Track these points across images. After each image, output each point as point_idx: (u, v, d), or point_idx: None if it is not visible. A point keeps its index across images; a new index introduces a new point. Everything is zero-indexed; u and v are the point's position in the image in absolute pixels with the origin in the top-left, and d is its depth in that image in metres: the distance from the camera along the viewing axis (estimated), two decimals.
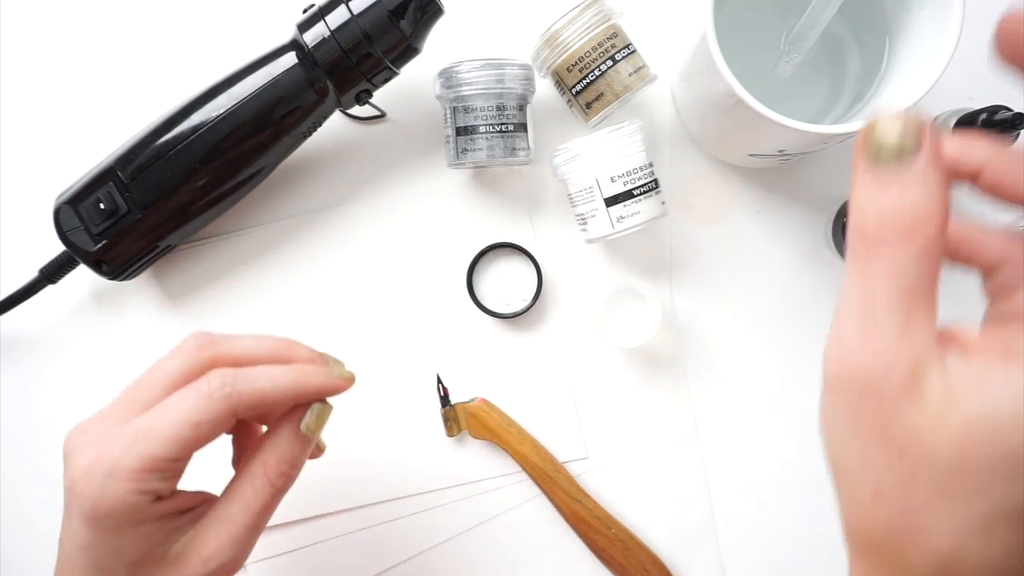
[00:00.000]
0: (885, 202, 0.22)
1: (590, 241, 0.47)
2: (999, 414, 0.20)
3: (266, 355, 0.36)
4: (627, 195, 0.45)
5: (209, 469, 0.38)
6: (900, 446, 0.22)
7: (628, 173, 0.45)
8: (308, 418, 0.36)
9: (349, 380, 0.37)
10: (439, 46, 0.47)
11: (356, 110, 0.50)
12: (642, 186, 0.45)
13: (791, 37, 0.44)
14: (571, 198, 0.47)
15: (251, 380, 0.34)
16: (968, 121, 0.43)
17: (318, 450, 0.41)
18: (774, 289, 0.51)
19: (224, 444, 0.39)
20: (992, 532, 0.21)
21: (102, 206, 0.44)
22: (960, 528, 0.21)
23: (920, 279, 0.22)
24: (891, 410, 0.22)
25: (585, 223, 0.46)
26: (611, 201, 0.45)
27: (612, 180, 0.45)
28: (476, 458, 0.50)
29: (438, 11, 0.44)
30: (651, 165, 0.46)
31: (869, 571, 0.25)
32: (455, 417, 0.50)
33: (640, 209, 0.45)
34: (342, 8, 0.43)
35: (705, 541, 0.50)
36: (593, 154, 0.45)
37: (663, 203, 0.46)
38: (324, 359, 0.37)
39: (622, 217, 0.45)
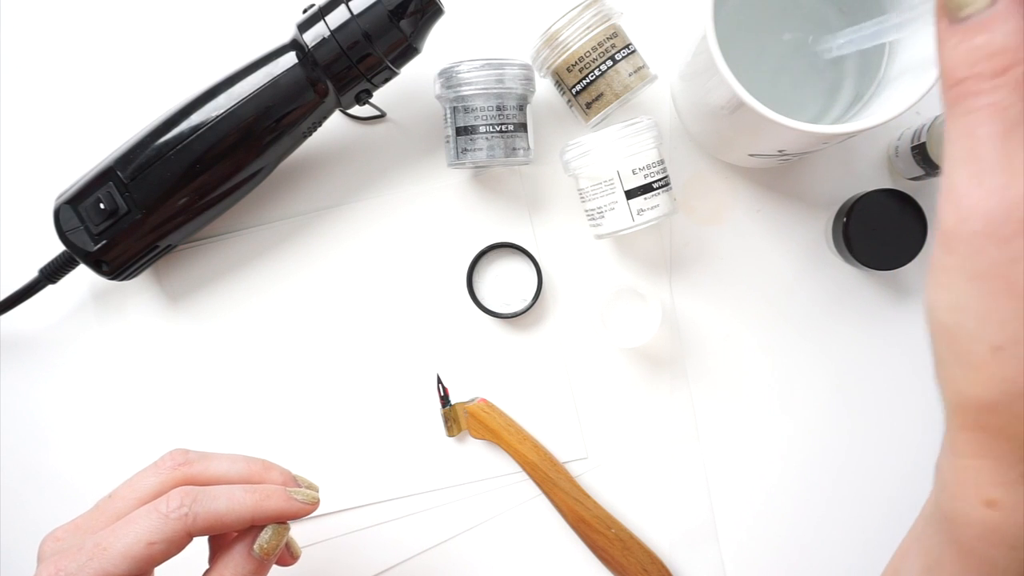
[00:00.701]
0: (975, 43, 0.21)
1: (602, 236, 0.47)
2: None
3: (237, 477, 0.37)
4: (647, 188, 0.45)
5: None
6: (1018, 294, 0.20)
7: (647, 167, 0.45)
8: (261, 539, 0.37)
9: (312, 505, 0.38)
10: (439, 46, 0.47)
11: (356, 110, 0.50)
12: (659, 180, 0.45)
13: (838, 43, 0.42)
14: (583, 193, 0.47)
15: (209, 501, 0.35)
16: None
17: (291, 557, 0.40)
18: (774, 289, 0.51)
19: None
20: None
21: (102, 206, 0.44)
22: None
23: (1002, 118, 0.21)
24: (1013, 252, 0.20)
25: (601, 216, 0.46)
26: (632, 193, 0.45)
27: (633, 172, 0.45)
28: (476, 458, 0.50)
29: (438, 11, 0.44)
30: (663, 161, 0.46)
31: (978, 442, 0.23)
32: (455, 417, 0.50)
33: (659, 203, 0.45)
34: (342, 8, 0.43)
35: (705, 541, 0.50)
36: (612, 147, 0.45)
37: (674, 200, 0.47)
38: (296, 481, 0.39)
39: (642, 210, 0.45)
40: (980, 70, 0.21)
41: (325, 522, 0.50)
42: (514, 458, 0.49)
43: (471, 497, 0.50)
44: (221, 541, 0.40)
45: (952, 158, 0.22)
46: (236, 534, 0.37)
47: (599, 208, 0.46)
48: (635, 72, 0.46)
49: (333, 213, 0.51)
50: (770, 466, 0.51)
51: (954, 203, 0.21)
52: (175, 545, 0.34)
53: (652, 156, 0.45)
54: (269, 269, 0.51)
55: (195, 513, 0.34)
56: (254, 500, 0.36)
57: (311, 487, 0.39)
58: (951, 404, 0.24)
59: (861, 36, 0.41)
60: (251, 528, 0.37)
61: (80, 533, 0.35)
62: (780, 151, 0.44)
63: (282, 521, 0.37)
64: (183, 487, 0.35)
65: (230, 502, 0.35)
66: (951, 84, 0.22)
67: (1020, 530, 0.23)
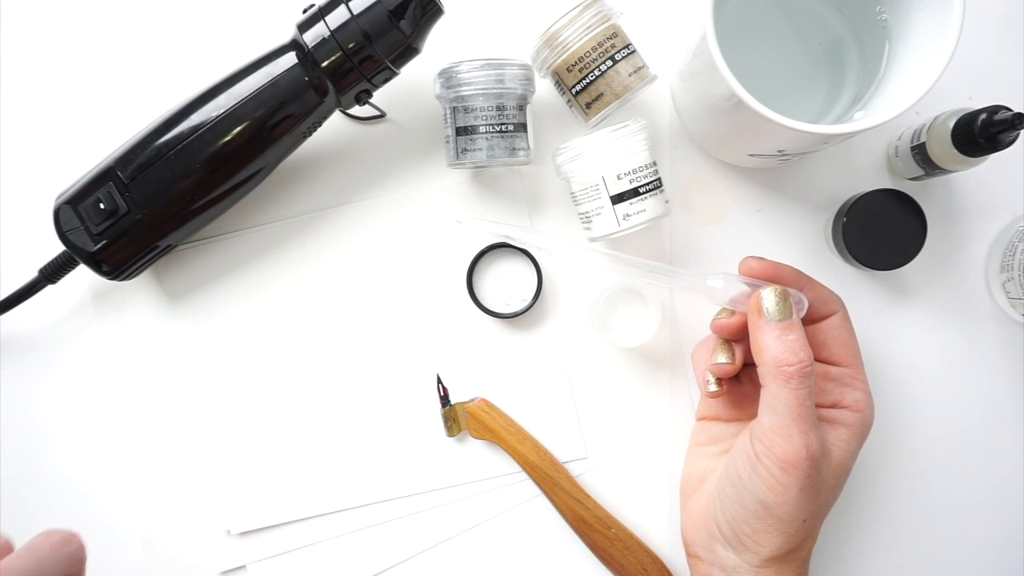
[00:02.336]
0: (788, 340, 0.38)
1: (594, 239, 0.47)
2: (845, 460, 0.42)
3: None
4: (633, 193, 0.45)
5: None
6: (819, 491, 0.39)
7: (634, 171, 0.45)
8: None
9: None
10: (439, 46, 0.47)
11: (356, 110, 0.50)
12: (647, 184, 0.45)
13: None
14: (574, 196, 0.47)
15: None
16: (968, 121, 0.43)
17: None
18: None
19: None
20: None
21: (102, 206, 0.44)
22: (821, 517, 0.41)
23: (811, 391, 0.38)
24: (820, 473, 0.39)
25: (589, 221, 0.46)
26: (617, 199, 0.45)
27: (618, 178, 0.45)
28: (476, 458, 0.50)
29: (438, 11, 0.44)
30: (654, 164, 0.46)
31: (783, 570, 0.41)
32: (455, 417, 0.50)
33: (646, 207, 0.45)
34: (342, 8, 0.43)
35: None
36: (598, 152, 0.45)
37: (667, 202, 0.46)
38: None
39: (628, 215, 0.45)
40: (795, 361, 0.38)
41: (325, 522, 0.50)
42: (514, 458, 0.49)
43: (471, 497, 0.50)
44: None
45: (795, 414, 0.38)
46: None
47: (587, 213, 0.46)
48: (635, 72, 0.46)
49: (333, 213, 0.51)
50: None
51: (805, 446, 0.38)
52: None
53: (641, 159, 0.45)
54: (269, 269, 0.51)
55: None
56: None
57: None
58: (770, 553, 0.40)
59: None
60: None
61: None
62: (780, 151, 0.44)
63: None
64: None
65: None
66: (777, 366, 0.38)
67: None
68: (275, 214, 0.51)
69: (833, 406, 0.43)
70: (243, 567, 0.50)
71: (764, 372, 0.39)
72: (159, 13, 0.52)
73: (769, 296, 0.39)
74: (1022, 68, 0.51)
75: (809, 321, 0.43)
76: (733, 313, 0.42)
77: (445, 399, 0.50)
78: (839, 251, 0.49)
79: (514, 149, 0.46)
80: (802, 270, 0.43)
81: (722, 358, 0.42)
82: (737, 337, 0.42)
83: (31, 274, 0.48)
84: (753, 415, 0.40)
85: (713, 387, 0.43)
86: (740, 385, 0.45)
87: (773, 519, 0.39)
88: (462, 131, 0.46)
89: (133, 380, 0.51)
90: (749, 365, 0.44)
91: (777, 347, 0.38)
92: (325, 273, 0.51)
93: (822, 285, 0.43)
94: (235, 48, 0.47)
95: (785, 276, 0.42)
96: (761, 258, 0.43)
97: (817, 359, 0.43)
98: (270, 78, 0.44)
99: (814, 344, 0.42)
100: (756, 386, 0.41)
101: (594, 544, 0.49)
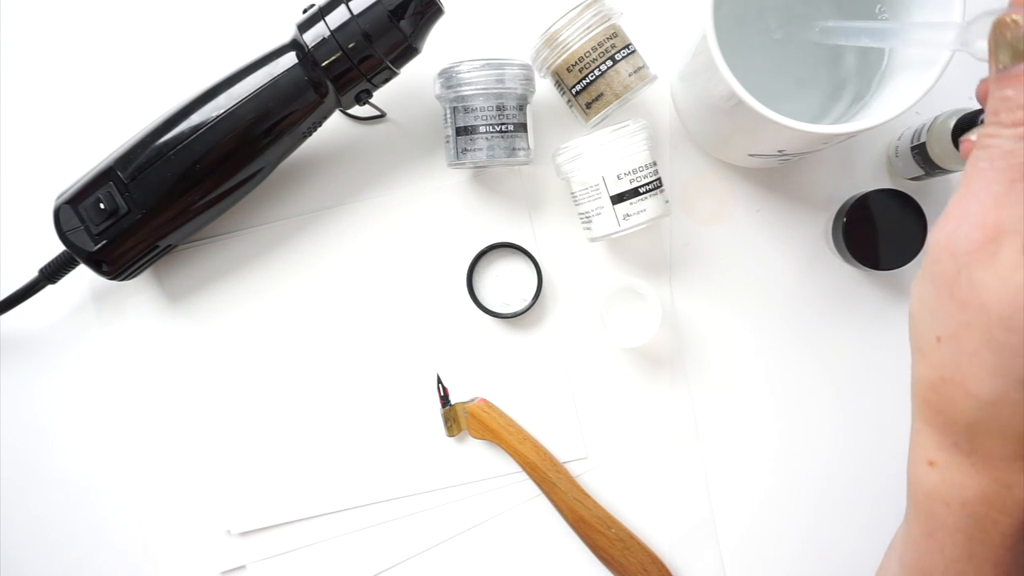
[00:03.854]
0: (1003, 94, 0.26)
1: (594, 239, 0.47)
2: None
3: None
4: (633, 192, 0.45)
5: None
6: (963, 298, 0.25)
7: (634, 171, 0.45)
8: None
9: None
10: (439, 46, 0.47)
11: (356, 110, 0.50)
12: (647, 184, 0.45)
13: (824, 29, 0.42)
14: (575, 196, 0.47)
15: None
16: (968, 121, 0.43)
17: None
18: (774, 289, 0.51)
19: None
20: None
21: (102, 206, 0.44)
22: (999, 375, 0.25)
23: (1021, 162, 0.25)
24: (964, 267, 0.25)
25: (590, 221, 0.46)
26: (617, 199, 0.45)
27: (619, 178, 0.45)
28: (476, 458, 0.50)
29: (438, 11, 0.44)
30: (654, 164, 0.46)
31: (924, 413, 0.28)
32: (455, 417, 0.50)
33: (646, 207, 0.45)
34: (342, 8, 0.43)
35: (705, 541, 0.50)
36: (598, 152, 0.45)
37: (667, 202, 0.47)
38: None
39: (628, 215, 0.45)
40: (1001, 119, 0.25)
41: (325, 522, 0.50)
42: (514, 458, 0.49)
43: (471, 497, 0.50)
44: None
45: (961, 182, 0.27)
46: None
47: (587, 213, 0.46)
48: (635, 72, 0.46)
49: (333, 213, 0.51)
50: (769, 466, 0.51)
51: (940, 222, 0.26)
52: None
53: (642, 159, 0.45)
54: (269, 269, 0.51)
55: None
56: None
57: None
58: (912, 384, 0.29)
59: (855, 28, 0.41)
60: None
61: None
62: (780, 151, 0.44)
63: None
64: None
65: None
66: (988, 122, 0.26)
67: (951, 488, 0.28)
68: (275, 214, 0.51)
69: None
70: (243, 567, 0.50)
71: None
72: (159, 13, 0.52)
73: (999, 26, 0.26)
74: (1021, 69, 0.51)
75: None
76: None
77: (445, 399, 0.50)
78: (839, 251, 0.49)
79: (514, 149, 0.46)
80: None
81: None
82: None
83: (31, 274, 0.48)
84: None
85: None
86: None
87: (911, 333, 0.28)
88: (462, 131, 0.46)
89: (133, 380, 0.51)
90: None
91: (992, 101, 0.26)
92: (325, 273, 0.51)
93: None
94: (235, 48, 0.47)
95: None
96: None
97: None
98: (270, 78, 0.44)
99: None
100: None
101: (594, 544, 0.49)
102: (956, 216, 0.26)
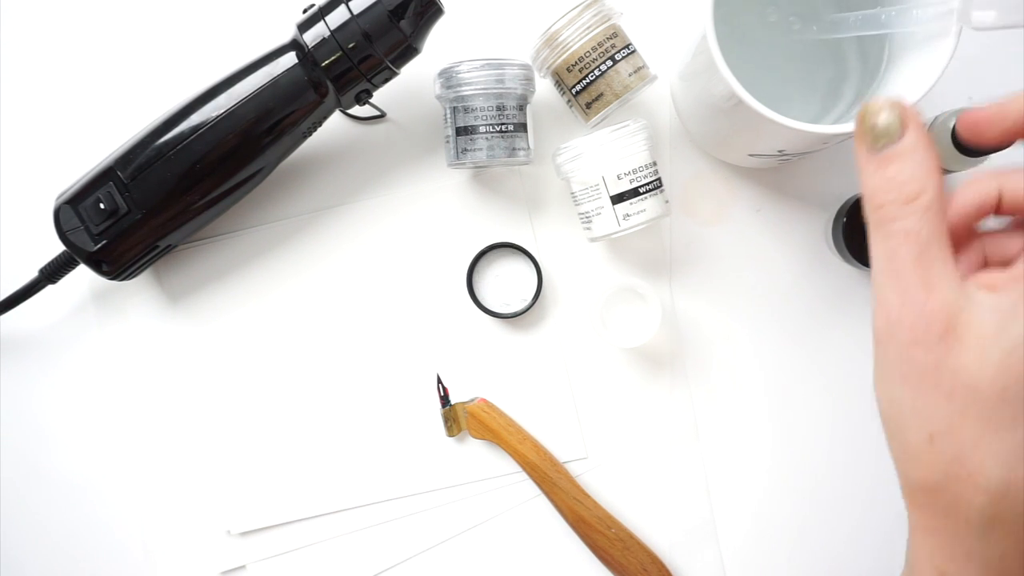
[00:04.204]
0: (887, 175, 0.25)
1: (594, 239, 0.47)
2: None
3: None
4: (633, 193, 0.45)
5: None
6: (948, 388, 0.24)
7: (634, 171, 0.45)
8: None
9: None
10: (439, 46, 0.47)
11: (356, 110, 0.50)
12: (647, 184, 0.45)
13: (827, 22, 0.42)
14: (575, 196, 0.47)
15: None
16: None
17: None
18: (774, 289, 0.51)
19: None
20: None
21: (102, 206, 0.44)
22: (1010, 456, 0.23)
23: (932, 235, 0.25)
24: (936, 357, 0.24)
25: (590, 221, 0.46)
26: (617, 199, 0.45)
27: (619, 177, 0.45)
28: (476, 458, 0.50)
29: (438, 11, 0.44)
30: (654, 164, 0.46)
31: (928, 520, 0.26)
32: (455, 417, 0.50)
33: (646, 207, 0.45)
34: (342, 8, 0.43)
35: (705, 541, 0.50)
36: (598, 152, 0.45)
37: (667, 202, 0.47)
38: None
39: (628, 215, 0.45)
40: (894, 197, 0.25)
41: (325, 522, 0.50)
42: (514, 458, 0.49)
43: (471, 497, 0.50)
44: None
45: (879, 272, 0.26)
46: None
47: (587, 213, 0.46)
48: (635, 72, 0.46)
49: (333, 213, 0.51)
50: (770, 466, 0.51)
51: (884, 314, 0.25)
52: None
53: (642, 159, 0.45)
54: (269, 269, 0.51)
55: None
56: None
57: None
58: (903, 486, 0.27)
59: (863, 17, 0.40)
60: None
61: None
62: (780, 151, 0.44)
63: None
64: None
65: None
66: (873, 208, 0.26)
67: None
68: (275, 214, 0.51)
69: (1004, 263, 0.28)
70: (243, 567, 0.50)
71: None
72: (159, 13, 0.52)
73: (870, 111, 0.26)
74: (1022, 68, 0.51)
75: None
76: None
77: (445, 399, 0.50)
78: (839, 251, 0.49)
79: (514, 149, 0.46)
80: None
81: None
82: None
83: (31, 274, 0.48)
84: None
85: None
86: None
87: (888, 432, 0.27)
88: (462, 131, 0.46)
89: (133, 380, 0.51)
90: None
91: (871, 184, 0.26)
92: (325, 273, 0.51)
93: None
94: (235, 48, 0.47)
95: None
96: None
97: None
98: (270, 78, 0.44)
99: None
100: None
101: (594, 544, 0.49)
102: (901, 309, 0.25)
